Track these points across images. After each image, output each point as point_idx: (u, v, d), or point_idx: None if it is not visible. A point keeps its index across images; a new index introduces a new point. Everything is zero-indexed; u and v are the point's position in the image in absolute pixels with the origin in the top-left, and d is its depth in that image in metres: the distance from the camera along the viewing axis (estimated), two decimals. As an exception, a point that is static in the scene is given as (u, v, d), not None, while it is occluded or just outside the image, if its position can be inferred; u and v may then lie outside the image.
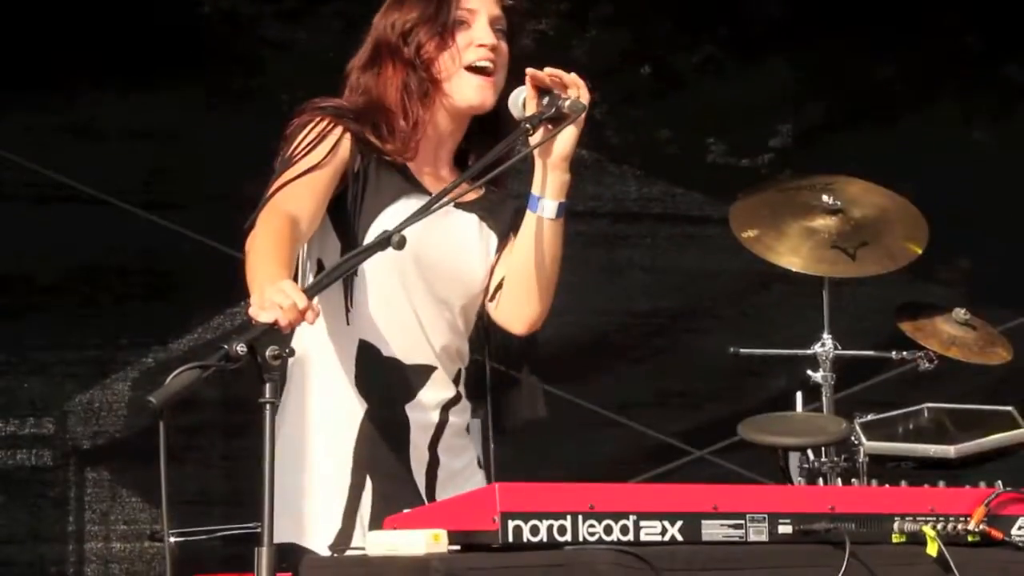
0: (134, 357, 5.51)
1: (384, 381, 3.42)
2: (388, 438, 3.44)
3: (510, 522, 3.05)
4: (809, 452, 3.87)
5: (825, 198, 4.15)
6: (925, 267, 5.32)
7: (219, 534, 4.50)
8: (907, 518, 3.27)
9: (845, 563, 3.13)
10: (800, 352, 4.11)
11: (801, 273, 4.12)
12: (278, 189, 3.37)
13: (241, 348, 3.04)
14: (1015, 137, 6.07)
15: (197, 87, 5.53)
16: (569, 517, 3.10)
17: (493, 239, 3.52)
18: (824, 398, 4.05)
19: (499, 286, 3.51)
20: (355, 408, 3.43)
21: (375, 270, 3.40)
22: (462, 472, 3.55)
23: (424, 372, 3.46)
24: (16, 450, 5.41)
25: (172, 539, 3.23)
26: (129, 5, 5.42)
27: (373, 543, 3.14)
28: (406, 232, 3.18)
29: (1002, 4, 5.97)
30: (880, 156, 5.92)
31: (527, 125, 3.34)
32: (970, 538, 3.29)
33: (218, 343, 3.08)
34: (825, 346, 4.08)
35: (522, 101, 3.42)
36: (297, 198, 3.34)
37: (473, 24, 3.45)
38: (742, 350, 4.20)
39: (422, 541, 3.07)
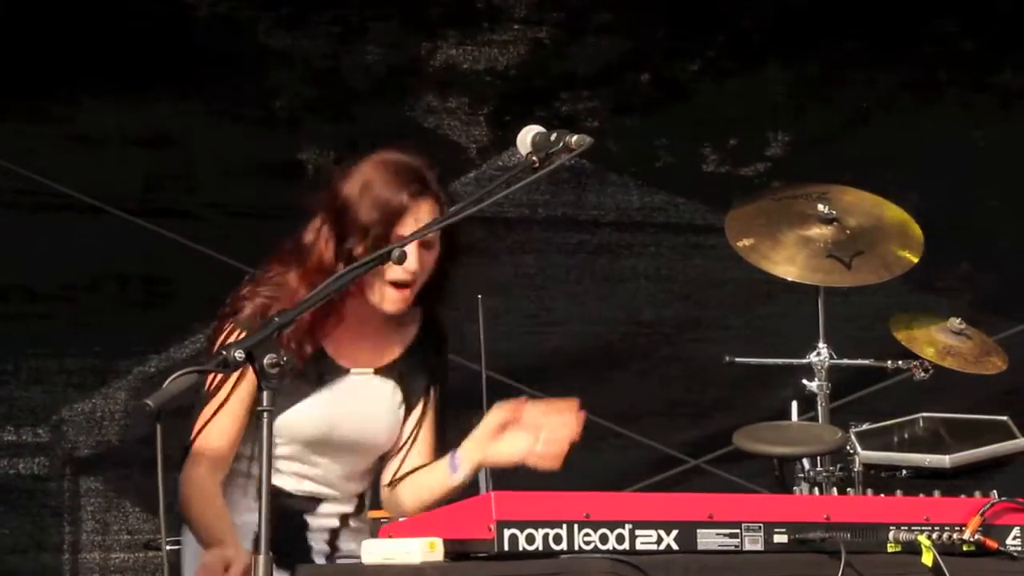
0: (134, 365, 5.50)
1: (287, 502, 3.66)
2: (289, 534, 3.60)
3: (506, 531, 3.06)
4: (804, 461, 3.87)
5: (820, 207, 4.16)
6: (923, 276, 5.33)
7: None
8: (902, 527, 3.27)
9: (840, 572, 3.14)
10: (795, 361, 4.11)
11: (796, 282, 4.12)
12: (197, 434, 3.66)
13: (239, 355, 3.06)
14: (1013, 144, 6.08)
15: (194, 95, 5.53)
16: (565, 526, 3.11)
17: (399, 400, 3.76)
18: (819, 407, 4.05)
19: (399, 479, 3.77)
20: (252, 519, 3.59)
21: (286, 442, 3.66)
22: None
23: (321, 499, 3.72)
24: (17, 459, 5.40)
25: (168, 547, 3.22)
26: (126, 13, 5.42)
27: (369, 551, 3.14)
28: (319, 408, 3.57)
29: (998, 10, 5.98)
30: (878, 164, 5.93)
31: (534, 159, 3.45)
32: (965, 547, 3.29)
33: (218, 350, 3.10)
34: (820, 355, 4.08)
35: (530, 139, 3.51)
36: (218, 432, 3.63)
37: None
38: (737, 359, 4.20)
39: (418, 549, 3.08)
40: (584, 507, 3.12)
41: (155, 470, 3.05)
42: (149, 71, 5.46)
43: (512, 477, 3.66)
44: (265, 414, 3.09)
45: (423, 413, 3.77)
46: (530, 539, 3.08)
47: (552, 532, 3.09)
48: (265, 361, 3.08)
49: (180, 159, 5.57)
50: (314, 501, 3.71)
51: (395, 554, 3.10)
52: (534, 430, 3.60)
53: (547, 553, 3.09)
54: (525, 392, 5.54)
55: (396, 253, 3.29)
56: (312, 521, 3.72)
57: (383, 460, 3.79)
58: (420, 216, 3.62)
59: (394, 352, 3.77)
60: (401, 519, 3.56)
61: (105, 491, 5.49)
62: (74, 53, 5.41)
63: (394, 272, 3.61)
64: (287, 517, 3.63)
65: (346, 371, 3.70)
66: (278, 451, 3.63)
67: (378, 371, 3.74)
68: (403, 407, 3.76)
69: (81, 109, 5.45)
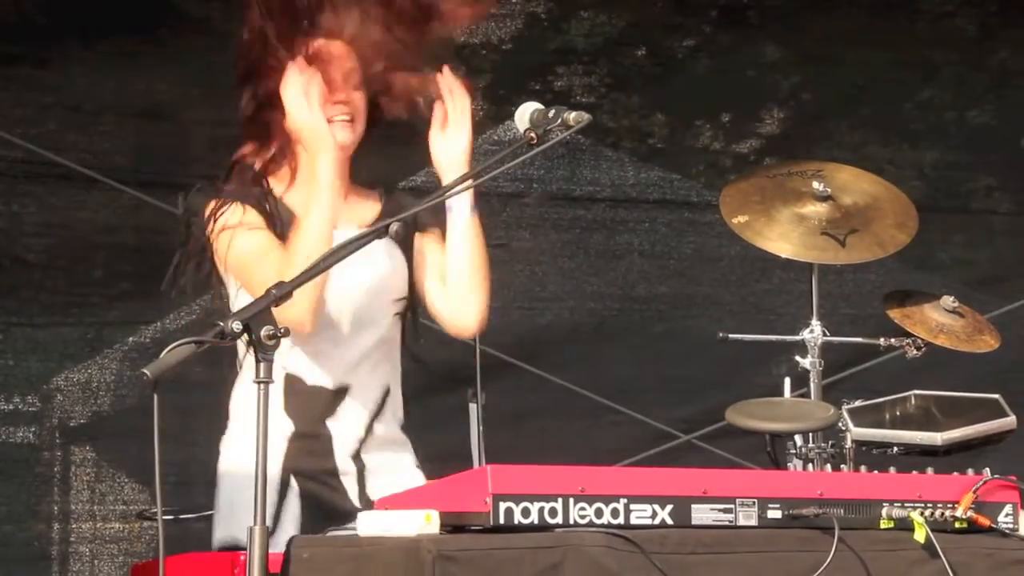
0: (128, 335, 5.50)
1: (307, 404, 3.69)
2: (313, 450, 3.70)
3: (501, 504, 3.08)
4: (797, 438, 3.88)
5: (815, 185, 4.16)
6: (917, 254, 5.35)
7: (206, 514, 4.50)
8: (895, 504, 3.29)
9: (833, 548, 3.16)
10: (788, 338, 4.13)
11: (791, 260, 4.13)
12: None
13: (236, 326, 3.07)
14: (1008, 122, 6.08)
15: (188, 66, 5.52)
16: (560, 500, 3.12)
17: (400, 255, 3.80)
18: (812, 384, 4.07)
19: (436, 296, 3.79)
20: (284, 427, 3.68)
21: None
22: (393, 470, 3.75)
23: (342, 392, 3.72)
24: (12, 428, 5.41)
25: (164, 517, 3.23)
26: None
27: (364, 523, 3.15)
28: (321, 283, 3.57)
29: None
30: (872, 142, 5.94)
31: (531, 135, 3.49)
32: (957, 524, 3.32)
33: (214, 320, 3.11)
34: (814, 332, 4.09)
35: (528, 115, 3.53)
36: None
37: (331, 83, 3.75)
38: (730, 335, 4.21)
39: (414, 522, 3.09)
40: (579, 481, 3.14)
41: (151, 440, 3.06)
42: (143, 42, 5.45)
43: (508, 452, 3.67)
44: (261, 385, 3.10)
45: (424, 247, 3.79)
46: (526, 512, 3.09)
47: (548, 506, 3.11)
48: (262, 333, 3.09)
49: (174, 130, 5.56)
50: (338, 395, 3.69)
51: (391, 526, 3.11)
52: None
53: (542, 527, 3.10)
54: (519, 367, 5.57)
55: (393, 227, 3.30)
56: (336, 429, 3.70)
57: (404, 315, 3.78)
58: (335, 59, 3.72)
59: (372, 211, 3.81)
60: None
61: (99, 461, 5.49)
62: (69, 23, 5.40)
63: (330, 111, 3.71)
64: (311, 423, 3.65)
65: (334, 228, 3.70)
66: (296, 335, 3.55)
67: (361, 227, 3.72)
68: (405, 263, 3.78)
69: (75, 79, 5.44)
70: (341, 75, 3.75)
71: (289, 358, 3.66)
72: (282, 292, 3.18)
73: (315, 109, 3.67)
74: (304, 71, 3.71)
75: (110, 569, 5.42)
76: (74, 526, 5.42)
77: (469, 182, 3.59)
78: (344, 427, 3.70)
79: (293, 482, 3.67)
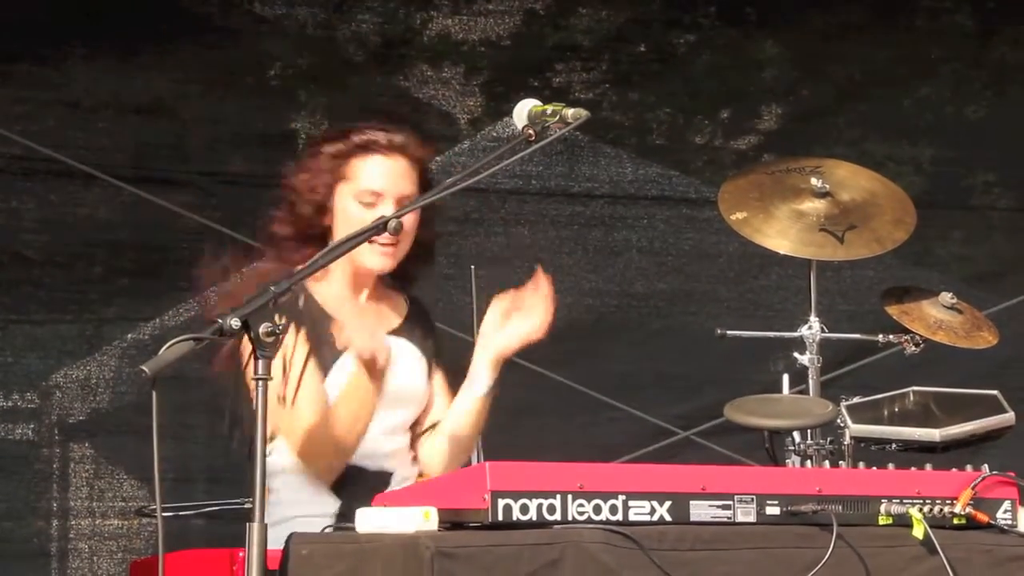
0: (127, 332, 5.50)
1: (353, 486, 3.74)
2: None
3: (500, 500, 3.08)
4: (795, 434, 3.88)
5: (813, 181, 4.16)
6: (916, 250, 5.34)
7: (204, 511, 4.51)
8: (894, 500, 3.30)
9: (832, 544, 3.16)
10: (787, 335, 4.12)
11: (789, 256, 4.13)
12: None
13: (235, 323, 3.07)
14: (1006, 118, 6.08)
15: (188, 63, 5.52)
16: (559, 496, 3.12)
17: (420, 355, 3.88)
18: (810, 380, 4.07)
19: (428, 432, 3.88)
20: (331, 505, 3.74)
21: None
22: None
23: (384, 477, 3.81)
24: (11, 425, 5.40)
25: (163, 514, 3.23)
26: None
27: (363, 520, 3.16)
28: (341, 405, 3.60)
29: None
30: (871, 138, 5.93)
31: (530, 131, 3.48)
32: (956, 521, 3.32)
33: (213, 317, 3.10)
34: (812, 329, 4.09)
35: (526, 112, 3.51)
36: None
37: (379, 205, 3.75)
38: (728, 332, 4.21)
39: (412, 518, 3.09)
40: (578, 478, 3.14)
41: (150, 437, 3.06)
42: (143, 38, 5.45)
43: (506, 449, 3.67)
44: (259, 382, 3.10)
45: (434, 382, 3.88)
46: (524, 509, 3.10)
47: (546, 502, 3.11)
48: (261, 330, 3.09)
49: (173, 127, 5.56)
50: (381, 478, 3.77)
51: (389, 523, 3.11)
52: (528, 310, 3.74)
53: (541, 523, 3.11)
54: (517, 363, 5.57)
55: (392, 224, 3.31)
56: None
57: (415, 426, 3.87)
58: (388, 179, 3.74)
59: (393, 321, 3.87)
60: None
61: (98, 457, 5.49)
62: (68, 20, 5.40)
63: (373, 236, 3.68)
64: (357, 502, 3.63)
65: None
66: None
67: (391, 332, 3.82)
68: (423, 359, 3.86)
69: (75, 76, 5.44)
70: (396, 199, 3.75)
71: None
72: (281, 289, 3.17)
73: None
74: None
75: (109, 566, 5.42)
76: (73, 523, 5.42)
77: (469, 179, 3.55)
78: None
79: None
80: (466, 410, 3.81)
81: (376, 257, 3.77)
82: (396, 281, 3.91)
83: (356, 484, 3.73)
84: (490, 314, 3.75)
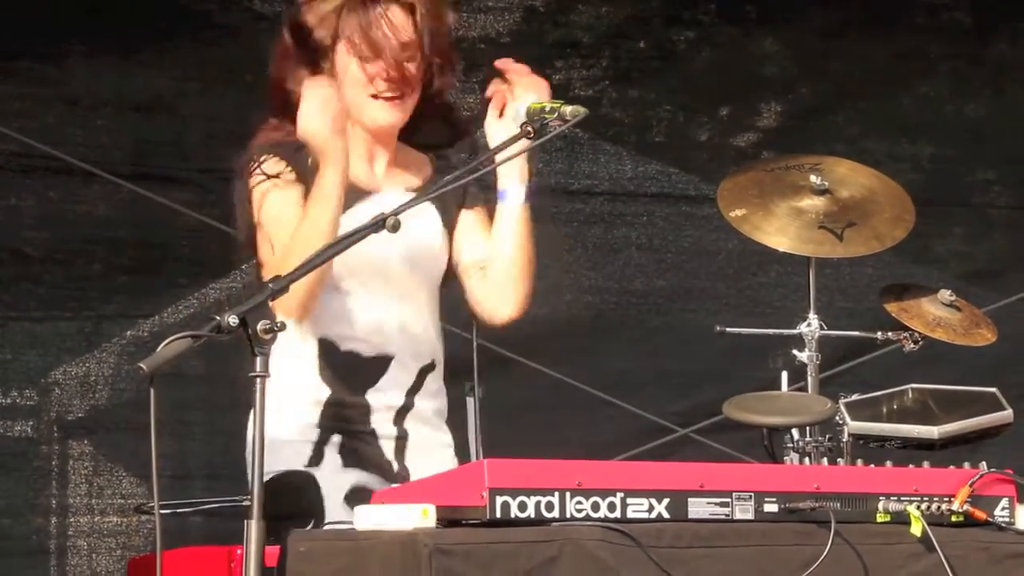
0: (126, 329, 5.50)
1: (344, 372, 3.65)
2: (351, 416, 3.66)
3: (498, 498, 3.08)
4: (794, 432, 3.88)
5: (813, 178, 4.16)
6: (915, 248, 5.35)
7: (203, 508, 4.51)
8: (892, 498, 3.30)
9: (830, 542, 3.17)
10: (785, 332, 4.12)
11: (788, 253, 4.13)
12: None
13: (232, 320, 3.07)
14: (1006, 116, 6.08)
15: (187, 60, 5.52)
16: (557, 494, 3.12)
17: (439, 221, 3.76)
18: (809, 378, 4.07)
19: (475, 282, 3.75)
20: (319, 394, 3.65)
21: (334, 271, 3.60)
22: (430, 447, 3.73)
23: (383, 362, 3.68)
24: (10, 422, 5.40)
25: (161, 511, 3.23)
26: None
27: (361, 517, 3.16)
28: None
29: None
30: (870, 136, 5.93)
31: (528, 129, 3.49)
32: (954, 518, 3.32)
33: (210, 314, 3.10)
34: (811, 326, 4.09)
35: (525, 109, 3.56)
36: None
37: (380, 56, 3.69)
38: (727, 329, 4.21)
39: (410, 515, 3.09)
40: (576, 475, 3.14)
41: (148, 434, 3.06)
42: (142, 36, 5.44)
43: (504, 446, 3.67)
44: (258, 379, 3.10)
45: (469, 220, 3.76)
46: (522, 507, 3.10)
47: (544, 500, 3.11)
48: (258, 327, 3.09)
49: (172, 124, 5.56)
50: (381, 363, 3.66)
51: (387, 520, 3.11)
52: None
53: (539, 520, 3.11)
54: (516, 360, 5.57)
55: (391, 221, 3.29)
56: (375, 400, 3.67)
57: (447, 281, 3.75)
58: (392, 28, 3.66)
59: (420, 176, 3.78)
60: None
61: (97, 455, 5.49)
62: (68, 17, 5.40)
63: (379, 85, 3.66)
64: (349, 391, 3.62)
65: (378, 191, 3.70)
66: (329, 294, 3.58)
67: (410, 191, 3.71)
68: (442, 223, 3.75)
69: (74, 73, 5.44)
70: (395, 46, 3.68)
71: (320, 322, 3.63)
72: (279, 286, 3.18)
73: (327, 121, 3.57)
74: (322, 83, 3.63)
75: (108, 563, 5.42)
76: (72, 520, 5.42)
77: (466, 176, 3.56)
78: (383, 398, 3.68)
79: (333, 438, 3.65)
80: (507, 226, 3.67)
81: (381, 111, 3.70)
82: (422, 145, 3.79)
83: (343, 370, 3.64)
84: (489, 115, 3.70)
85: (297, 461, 3.63)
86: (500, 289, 3.73)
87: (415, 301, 3.73)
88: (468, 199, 3.79)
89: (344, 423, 3.66)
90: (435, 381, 3.77)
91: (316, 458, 3.63)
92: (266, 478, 3.20)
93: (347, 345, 3.65)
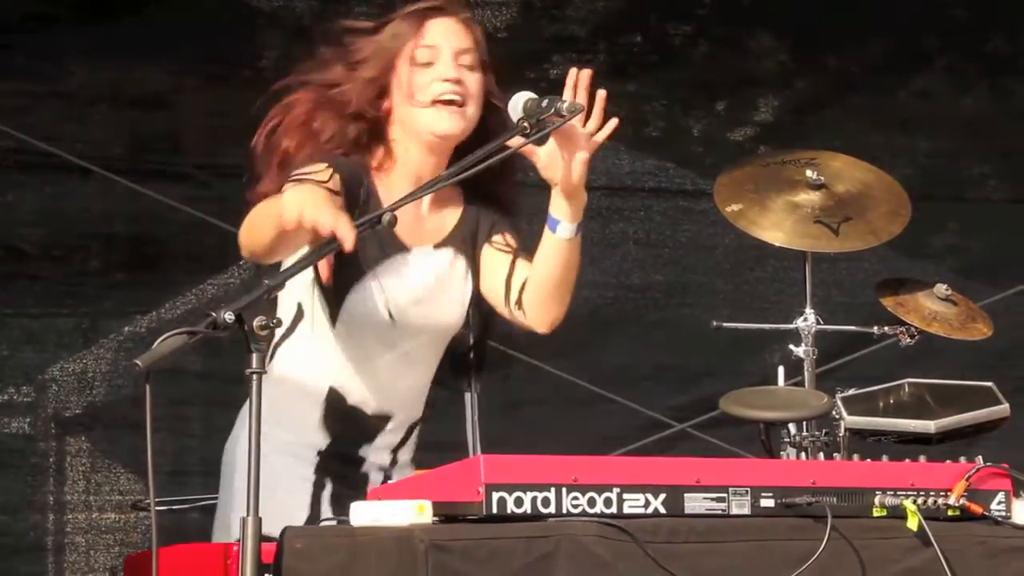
0: (124, 325, 5.50)
1: (346, 424, 3.64)
2: (345, 473, 3.65)
3: (494, 493, 3.08)
4: (790, 426, 3.89)
5: (809, 173, 4.16)
6: (913, 242, 5.34)
7: (200, 504, 4.51)
8: (888, 492, 3.30)
9: (826, 536, 3.17)
10: (782, 327, 4.13)
11: (784, 248, 4.13)
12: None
13: (229, 317, 3.07)
14: (1001, 110, 6.08)
15: (184, 55, 5.51)
16: (553, 489, 3.12)
17: (466, 273, 3.69)
18: (806, 372, 4.07)
19: (517, 295, 3.66)
20: (320, 440, 3.65)
21: (352, 324, 3.59)
22: None
23: (383, 420, 3.68)
24: (7, 419, 5.41)
25: (157, 508, 3.23)
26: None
27: (357, 514, 3.16)
28: (382, 287, 3.47)
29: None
30: (867, 130, 5.93)
31: (524, 124, 3.45)
32: (950, 512, 3.32)
33: (207, 310, 3.10)
34: (807, 321, 4.09)
35: (522, 104, 3.49)
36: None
37: (436, 61, 3.60)
38: (724, 324, 4.21)
39: (406, 512, 3.09)
40: (572, 471, 3.14)
41: (145, 431, 3.06)
42: (139, 31, 5.44)
43: (502, 441, 3.68)
44: (254, 376, 3.10)
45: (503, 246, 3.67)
46: (518, 502, 3.10)
47: (540, 495, 3.11)
48: (255, 323, 3.09)
49: (169, 120, 5.56)
50: (377, 422, 3.65)
51: (383, 516, 3.11)
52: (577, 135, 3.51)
53: (535, 516, 3.11)
54: (513, 356, 5.57)
55: (387, 217, 3.27)
56: (369, 456, 3.67)
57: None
58: (448, 36, 3.58)
59: (448, 223, 3.70)
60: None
61: (94, 451, 5.49)
62: (64, 12, 5.40)
63: (434, 91, 3.56)
64: (348, 445, 3.61)
65: (407, 249, 3.63)
66: (345, 345, 3.56)
67: (437, 246, 3.67)
68: (469, 275, 3.68)
69: (71, 69, 5.43)
70: (452, 52, 3.60)
71: (333, 371, 3.62)
72: (275, 283, 3.17)
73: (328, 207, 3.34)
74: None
75: (105, 559, 5.42)
76: (69, 517, 5.42)
77: (463, 172, 3.53)
78: (376, 455, 3.69)
79: (328, 484, 3.64)
80: (554, 255, 3.54)
81: (445, 119, 3.59)
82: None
83: (346, 423, 3.62)
84: (547, 148, 3.51)
85: (294, 512, 3.59)
86: (539, 309, 3.64)
87: (425, 363, 3.72)
88: (486, 232, 3.69)
89: (339, 477, 3.65)
90: (414, 435, 3.76)
91: (313, 515, 3.60)
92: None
93: (354, 399, 3.65)
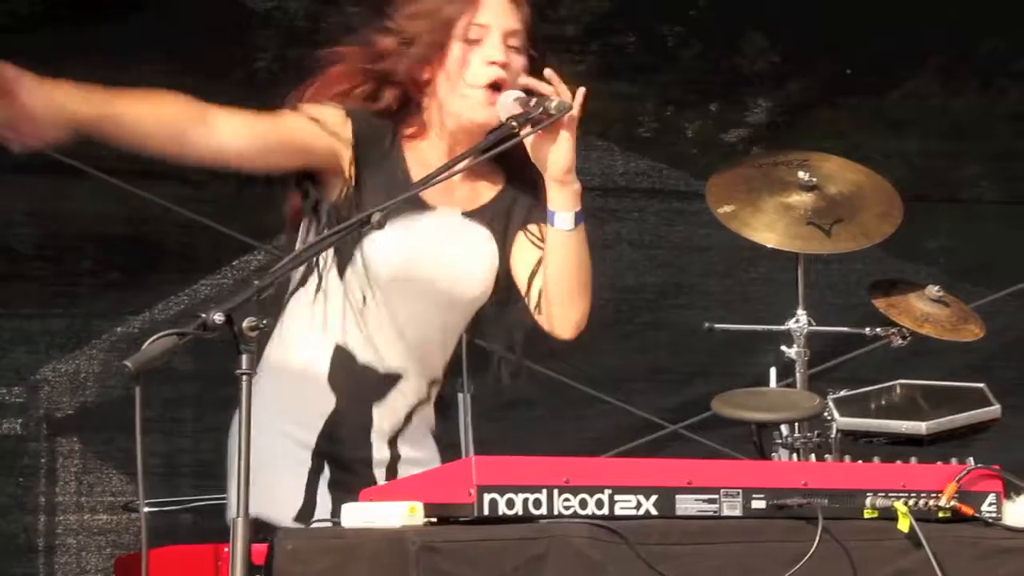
0: (117, 326, 5.50)
1: (356, 384, 3.56)
2: (351, 434, 3.58)
3: (486, 495, 3.08)
4: (782, 427, 3.89)
5: (801, 174, 4.16)
6: (906, 244, 5.35)
7: (191, 506, 4.51)
8: (879, 494, 3.30)
9: (817, 538, 3.16)
10: (774, 328, 4.13)
11: (776, 249, 4.14)
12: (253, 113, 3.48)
13: (219, 317, 3.06)
14: (993, 113, 6.09)
15: (176, 56, 5.51)
16: (545, 491, 3.12)
17: (494, 247, 3.61)
18: (798, 374, 4.07)
19: (538, 298, 3.61)
20: (326, 403, 3.56)
21: (364, 278, 3.51)
22: (421, 461, 3.64)
23: (394, 379, 3.59)
24: (1, 419, 5.41)
25: (146, 508, 3.22)
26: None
27: (349, 515, 3.15)
28: (398, 239, 3.39)
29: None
30: (859, 132, 5.94)
31: (513, 123, 3.43)
32: (941, 514, 3.32)
33: (197, 311, 3.10)
34: (799, 322, 4.09)
35: (510, 103, 3.48)
36: (230, 124, 3.45)
37: (484, 41, 3.52)
38: (716, 325, 4.22)
39: (398, 513, 3.09)
40: (564, 472, 3.14)
41: (137, 430, 3.06)
42: (132, 31, 5.44)
43: (495, 442, 3.68)
44: (244, 377, 3.09)
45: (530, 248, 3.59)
46: (510, 504, 3.09)
47: (532, 497, 3.11)
48: (244, 324, 3.08)
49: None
50: (389, 380, 3.56)
51: (375, 518, 3.11)
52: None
53: (527, 517, 3.10)
54: (506, 357, 5.57)
55: (377, 217, 3.24)
56: (379, 416, 3.58)
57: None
58: (500, 14, 3.50)
59: (483, 197, 3.62)
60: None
61: (86, 452, 5.49)
62: (56, 13, 5.39)
63: (480, 74, 3.47)
64: (357, 404, 3.52)
65: (431, 208, 3.55)
66: (356, 300, 3.48)
67: (467, 213, 3.59)
68: (497, 256, 3.59)
69: (62, 69, 5.42)
70: (502, 33, 3.51)
71: (341, 330, 3.53)
72: (264, 283, 3.15)
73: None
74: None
75: (97, 561, 5.42)
76: (61, 518, 5.42)
77: (449, 171, 3.50)
78: (387, 415, 3.57)
79: (326, 469, 3.57)
80: (557, 251, 3.47)
81: (480, 110, 3.47)
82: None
83: (355, 382, 3.53)
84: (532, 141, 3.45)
85: (286, 506, 3.52)
86: (555, 310, 3.57)
87: (441, 324, 3.61)
88: (522, 219, 3.61)
89: (341, 448, 3.56)
90: (431, 396, 3.67)
91: (308, 508, 3.53)
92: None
93: (364, 358, 3.56)
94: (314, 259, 3.52)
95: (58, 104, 3.32)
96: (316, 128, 3.48)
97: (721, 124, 6.04)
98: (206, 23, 5.50)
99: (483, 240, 3.61)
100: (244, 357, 3.09)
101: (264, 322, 3.10)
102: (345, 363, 3.55)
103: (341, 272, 3.55)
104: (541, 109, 3.46)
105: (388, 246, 3.50)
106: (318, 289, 3.55)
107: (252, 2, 5.62)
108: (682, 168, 5.98)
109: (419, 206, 3.54)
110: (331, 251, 3.52)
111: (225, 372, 3.18)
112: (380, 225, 3.25)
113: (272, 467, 3.44)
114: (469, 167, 3.54)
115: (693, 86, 6.00)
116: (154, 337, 3.03)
